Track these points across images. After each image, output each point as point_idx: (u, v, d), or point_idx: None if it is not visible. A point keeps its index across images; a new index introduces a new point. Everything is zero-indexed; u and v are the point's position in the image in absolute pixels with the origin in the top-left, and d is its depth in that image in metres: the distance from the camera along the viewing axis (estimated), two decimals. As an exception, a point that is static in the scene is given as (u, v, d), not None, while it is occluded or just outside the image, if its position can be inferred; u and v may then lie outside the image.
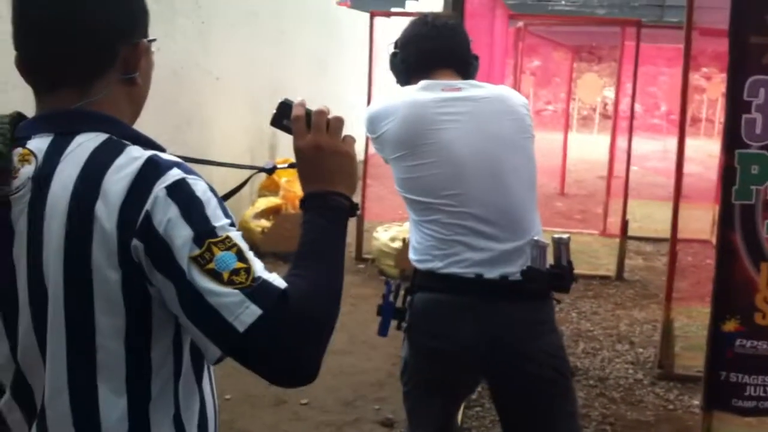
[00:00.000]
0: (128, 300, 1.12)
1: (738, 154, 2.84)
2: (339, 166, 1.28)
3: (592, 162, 11.51)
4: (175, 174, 1.12)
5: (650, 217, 8.37)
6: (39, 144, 1.16)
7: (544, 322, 2.24)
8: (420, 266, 2.22)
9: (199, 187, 1.13)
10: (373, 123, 2.29)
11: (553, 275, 2.16)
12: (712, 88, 16.74)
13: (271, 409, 3.89)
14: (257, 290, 1.08)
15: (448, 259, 2.15)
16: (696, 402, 3.89)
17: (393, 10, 11.62)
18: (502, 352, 2.16)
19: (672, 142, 8.21)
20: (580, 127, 18.06)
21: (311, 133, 1.27)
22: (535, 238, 2.16)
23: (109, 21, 1.20)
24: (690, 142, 10.41)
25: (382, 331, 2.27)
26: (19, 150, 1.15)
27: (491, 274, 2.13)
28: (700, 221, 6.98)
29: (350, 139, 1.30)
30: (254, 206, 6.81)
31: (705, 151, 10.94)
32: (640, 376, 4.40)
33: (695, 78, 13.89)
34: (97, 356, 1.14)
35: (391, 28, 11.62)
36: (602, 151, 8.98)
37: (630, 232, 7.12)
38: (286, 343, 1.08)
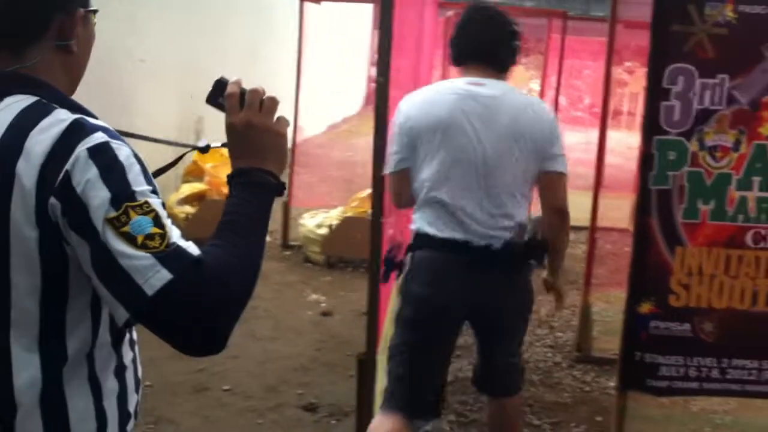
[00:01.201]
0: (44, 259, 1.14)
1: (656, 141, 2.90)
2: (269, 144, 1.29)
3: (518, 152, 11.65)
4: (99, 137, 1.15)
5: (572, 207, 8.46)
6: None
7: (516, 283, 2.85)
8: (424, 230, 2.76)
9: (123, 152, 1.15)
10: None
11: (530, 247, 2.82)
12: (634, 82, 17.14)
13: (193, 396, 3.83)
14: (170, 255, 1.08)
15: (447, 228, 2.72)
16: (612, 383, 3.97)
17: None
18: (483, 304, 2.80)
19: (594, 134, 8.38)
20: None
21: (244, 110, 1.28)
22: (517, 220, 2.76)
23: None
24: (611, 134, 10.64)
25: (384, 278, 2.81)
26: None
27: (479, 243, 2.70)
28: (620, 210, 7.16)
29: (283, 120, 1.31)
30: (178, 192, 6.69)
31: (626, 143, 11.21)
32: (558, 360, 4.50)
33: (618, 72, 14.20)
34: (11, 314, 1.16)
35: (323, 15, 11.51)
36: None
37: (553, 221, 7.26)
38: (195, 309, 1.08)
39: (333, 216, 6.35)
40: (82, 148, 1.12)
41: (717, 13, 2.78)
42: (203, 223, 6.26)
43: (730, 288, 2.98)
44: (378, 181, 2.81)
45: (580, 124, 17.17)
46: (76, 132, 1.14)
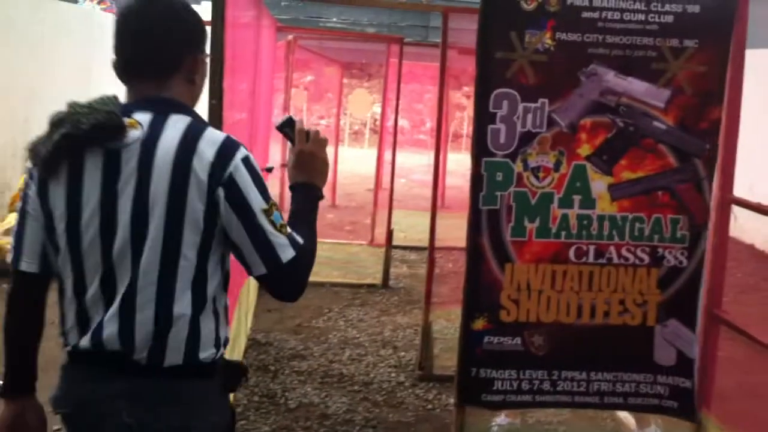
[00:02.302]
0: (205, 224, 1.66)
1: (485, 162, 3.00)
2: (320, 167, 1.91)
3: (363, 175, 11.83)
4: (244, 151, 1.71)
5: (415, 227, 8.70)
6: (141, 117, 1.68)
7: None
8: None
9: (256, 164, 1.73)
10: None
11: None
12: (472, 106, 17.81)
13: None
14: (292, 239, 1.71)
15: None
16: (452, 400, 4.06)
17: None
18: None
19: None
20: (352, 142, 18.51)
21: (310, 143, 1.90)
22: None
23: (186, 39, 1.77)
24: (452, 156, 11.00)
25: None
26: (126, 119, 1.66)
27: None
28: (461, 230, 7.35)
29: (325, 146, 1.93)
30: (3, 222, 6.34)
31: (465, 165, 11.56)
32: (402, 379, 4.55)
33: (457, 96, 14.70)
34: (179, 262, 1.66)
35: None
36: (372, 165, 9.25)
37: (396, 242, 7.38)
38: (300, 275, 1.73)
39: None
40: (238, 159, 1.68)
41: (537, 41, 2.92)
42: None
43: (557, 302, 3.11)
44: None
45: (423, 146, 17.66)
46: (231, 145, 1.70)
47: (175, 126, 1.68)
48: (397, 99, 6.94)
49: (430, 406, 4.19)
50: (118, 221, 1.65)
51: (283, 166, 2.18)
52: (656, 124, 3.02)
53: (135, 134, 1.65)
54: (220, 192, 1.64)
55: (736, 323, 3.12)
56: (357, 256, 7.74)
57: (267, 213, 1.68)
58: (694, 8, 2.95)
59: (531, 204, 3.03)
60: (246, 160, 1.69)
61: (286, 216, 1.77)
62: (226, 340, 1.82)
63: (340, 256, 7.44)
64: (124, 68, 1.75)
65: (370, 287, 6.61)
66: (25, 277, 1.76)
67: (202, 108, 1.94)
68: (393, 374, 4.64)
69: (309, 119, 17.65)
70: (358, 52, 11.57)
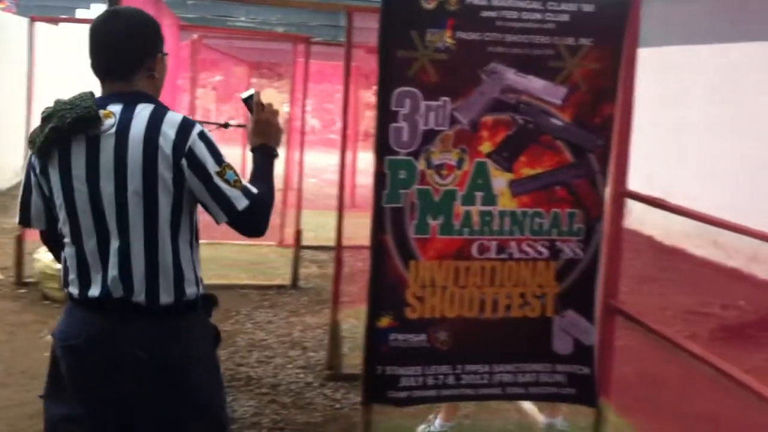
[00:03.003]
0: (174, 187, 2.08)
1: (387, 160, 3.01)
2: (275, 133, 2.40)
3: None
4: (199, 127, 2.14)
5: (325, 227, 8.63)
6: (113, 108, 2.10)
7: None
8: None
9: (210, 135, 2.15)
10: None
11: None
12: (381, 106, 17.86)
13: None
14: (245, 191, 2.13)
15: None
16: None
17: (61, 16, 10.88)
18: None
19: (347, 156, 8.59)
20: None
21: (265, 113, 2.39)
22: None
23: (142, 45, 2.19)
24: (363, 155, 11.00)
25: None
26: (102, 111, 2.08)
27: None
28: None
29: (277, 117, 2.42)
30: None
31: (376, 164, 11.61)
32: (310, 379, 4.53)
33: (367, 95, 14.72)
34: (159, 220, 2.09)
35: (59, 36, 10.76)
36: (282, 165, 9.17)
37: (306, 242, 7.35)
38: (256, 218, 2.16)
39: (73, 247, 5.95)
40: (194, 134, 2.10)
41: (437, 39, 2.95)
42: None
43: (460, 298, 3.15)
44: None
45: (334, 146, 17.62)
46: (188, 124, 2.11)
47: (142, 113, 2.09)
48: (305, 98, 6.92)
49: (338, 406, 4.18)
50: (103, 192, 2.07)
51: (240, 126, 2.70)
52: (554, 120, 3.09)
53: (109, 122, 2.08)
54: (183, 162, 2.07)
55: (632, 313, 3.22)
56: (266, 257, 7.67)
57: (220, 174, 2.10)
58: (589, 7, 3.04)
59: (434, 201, 3.06)
60: (201, 134, 2.12)
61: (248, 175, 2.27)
62: (201, 280, 2.23)
63: (248, 258, 7.35)
64: (97, 71, 2.19)
65: (279, 288, 6.56)
66: (43, 231, 2.28)
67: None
68: (301, 375, 4.61)
69: (218, 119, 17.39)
70: (267, 51, 11.47)
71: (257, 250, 7.87)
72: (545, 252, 3.17)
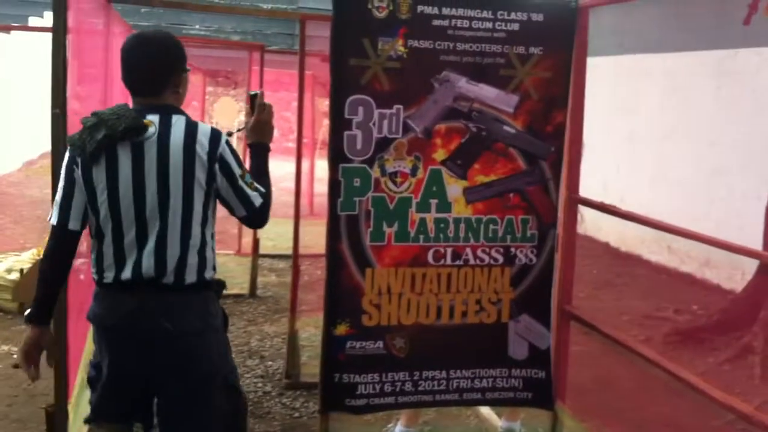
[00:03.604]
0: (207, 186, 2.47)
1: (342, 168, 3.02)
2: (270, 132, 2.77)
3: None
4: (225, 136, 2.53)
5: (284, 236, 8.59)
6: (152, 119, 2.45)
7: None
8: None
9: (232, 145, 2.53)
10: None
11: None
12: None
13: None
14: (259, 191, 2.54)
15: None
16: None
17: (13, 24, 10.71)
18: None
19: (305, 164, 8.54)
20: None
21: (264, 113, 2.75)
22: None
23: (170, 66, 2.55)
24: (321, 164, 10.96)
25: None
26: (143, 120, 2.43)
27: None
28: (329, 237, 7.36)
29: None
30: None
31: (334, 173, 11.57)
32: (268, 389, 4.50)
33: (324, 104, 14.72)
34: (193, 213, 2.45)
35: (10, 44, 10.58)
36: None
37: (264, 250, 7.31)
38: (265, 212, 2.57)
39: (25, 259, 5.87)
40: (223, 143, 2.49)
41: (389, 48, 2.97)
42: None
43: (417, 304, 3.17)
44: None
45: (292, 154, 17.56)
46: (217, 135, 2.49)
47: (177, 123, 2.46)
48: (261, 106, 6.86)
49: (297, 414, 4.16)
50: (147, 190, 2.42)
51: (240, 131, 2.92)
52: (506, 128, 3.13)
53: (151, 131, 2.43)
54: (216, 166, 2.45)
55: (588, 318, 3.26)
56: (224, 266, 7.54)
57: (242, 177, 2.51)
58: (538, 17, 3.08)
59: (389, 209, 3.08)
60: (227, 143, 2.50)
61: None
62: (216, 265, 2.60)
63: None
64: (131, 87, 2.55)
65: (236, 297, 6.51)
66: (72, 234, 2.49)
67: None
68: (260, 384, 4.58)
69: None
70: (223, 59, 11.41)
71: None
72: (500, 258, 3.20)
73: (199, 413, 2.53)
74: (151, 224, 2.43)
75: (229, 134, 2.99)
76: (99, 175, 2.43)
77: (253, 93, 2.76)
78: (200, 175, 2.44)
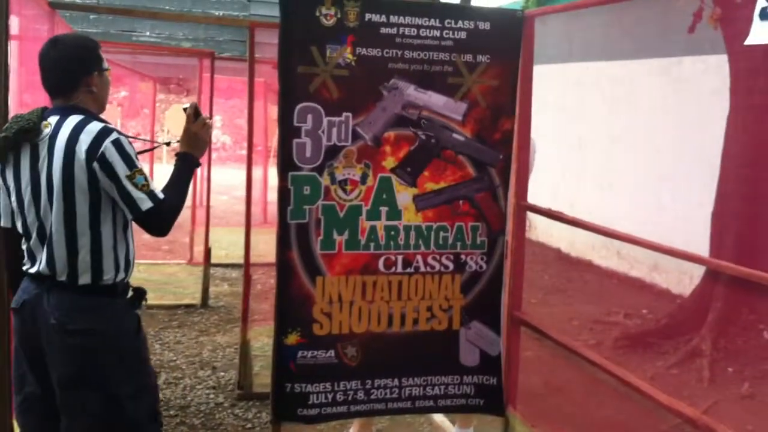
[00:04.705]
0: (89, 187, 2.42)
1: (291, 176, 3.00)
2: (200, 145, 2.71)
3: (181, 193, 11.48)
4: (114, 135, 2.44)
5: (237, 245, 8.52)
6: (52, 119, 2.48)
7: None
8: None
9: (125, 142, 2.45)
10: None
11: None
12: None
13: None
14: (151, 195, 2.44)
15: None
16: (271, 417, 4.02)
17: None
18: None
19: (258, 172, 8.48)
20: (171, 159, 18.02)
21: (195, 125, 2.68)
22: None
23: (77, 67, 2.55)
24: (274, 172, 10.91)
25: None
26: (44, 122, 2.48)
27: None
28: (282, 246, 7.31)
29: (209, 130, 2.75)
30: None
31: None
32: (221, 400, 4.45)
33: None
34: (77, 214, 2.43)
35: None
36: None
37: (216, 260, 7.23)
38: (158, 219, 2.46)
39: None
40: (108, 142, 2.41)
41: (338, 55, 2.96)
42: None
43: (368, 312, 3.16)
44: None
45: (246, 162, 17.46)
46: (103, 133, 2.42)
47: (69, 124, 2.45)
48: (211, 113, 6.81)
49: (249, 426, 4.11)
50: (41, 191, 2.46)
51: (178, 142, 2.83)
52: (455, 136, 3.14)
53: (47, 131, 2.46)
54: (95, 165, 2.40)
55: (539, 324, 3.29)
56: (175, 276, 7.52)
57: (130, 177, 2.42)
58: (485, 25, 3.11)
59: (339, 217, 3.07)
60: (115, 142, 2.43)
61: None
62: (127, 269, 2.58)
63: (156, 278, 7.18)
64: (46, 90, 2.58)
65: (188, 307, 6.43)
66: (4, 231, 2.64)
67: None
68: (212, 395, 4.52)
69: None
70: (174, 67, 11.28)
71: (166, 269, 7.71)
72: (450, 265, 3.22)
73: (69, 412, 2.51)
74: (47, 224, 2.48)
75: (168, 144, 3.22)
76: (9, 174, 2.53)
77: (184, 106, 2.73)
78: (80, 175, 2.41)
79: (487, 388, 3.31)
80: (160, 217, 2.46)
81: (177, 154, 2.67)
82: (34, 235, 2.51)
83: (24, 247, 2.57)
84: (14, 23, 3.08)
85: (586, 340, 6.01)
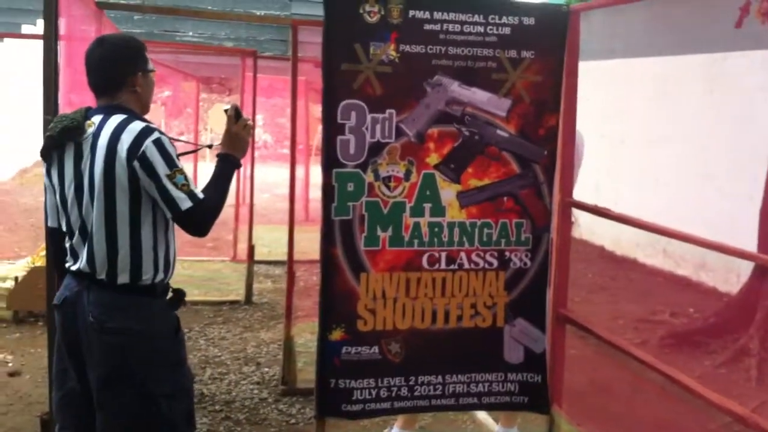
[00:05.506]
0: (130, 186, 2.44)
1: (335, 173, 3.02)
2: (241, 146, 2.72)
3: (225, 191, 11.59)
4: (156, 135, 2.45)
5: (279, 242, 8.58)
6: (96, 119, 2.50)
7: None
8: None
9: (166, 142, 2.47)
10: None
11: None
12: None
13: None
14: (191, 195, 2.44)
15: None
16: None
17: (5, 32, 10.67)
18: None
19: (300, 170, 8.53)
20: (213, 158, 18.17)
21: (236, 127, 2.69)
22: None
23: (121, 67, 2.56)
24: (316, 169, 11.00)
25: None
26: (88, 121, 2.50)
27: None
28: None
29: (250, 131, 2.78)
30: None
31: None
32: (265, 395, 4.49)
33: (319, 109, 14.71)
34: (117, 213, 2.45)
35: (3, 52, 10.55)
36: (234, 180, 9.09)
37: (259, 257, 7.29)
38: (197, 219, 2.46)
39: (19, 267, 5.85)
40: (149, 141, 2.42)
41: (381, 52, 2.97)
42: None
43: (412, 309, 3.16)
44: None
45: (287, 160, 17.53)
46: (144, 132, 2.43)
47: (112, 123, 2.47)
48: (254, 112, 6.88)
49: (293, 421, 4.15)
50: (84, 189, 2.49)
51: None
52: (499, 132, 3.13)
53: (90, 131, 2.49)
54: (136, 164, 2.41)
55: (583, 322, 3.26)
56: (219, 272, 7.60)
57: (170, 177, 2.42)
58: (530, 21, 3.09)
59: (383, 213, 3.08)
60: (156, 141, 2.44)
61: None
62: (166, 269, 2.58)
63: (201, 274, 7.27)
64: (91, 88, 2.61)
65: (232, 304, 6.50)
66: (52, 231, 2.68)
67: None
68: (256, 391, 4.57)
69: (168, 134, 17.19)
70: (217, 66, 11.38)
71: (210, 266, 7.80)
72: (494, 262, 3.20)
73: (105, 410, 2.53)
74: (88, 222, 2.50)
75: (209, 146, 3.26)
76: (54, 174, 2.56)
77: (225, 107, 2.75)
78: (121, 174, 2.42)
79: (531, 385, 3.29)
80: (200, 217, 2.46)
81: (218, 155, 2.68)
82: (76, 233, 2.54)
83: (67, 245, 2.59)
84: (62, 23, 3.13)
85: (631, 339, 5.93)
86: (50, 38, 2.72)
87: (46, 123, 2.72)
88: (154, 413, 2.53)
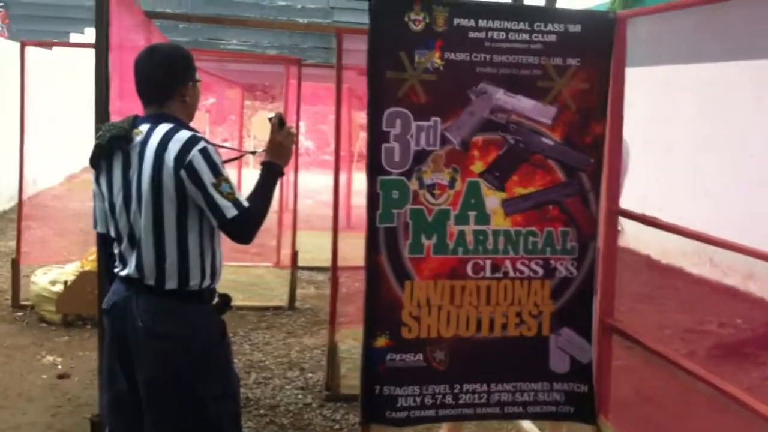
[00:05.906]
0: (177, 194, 2.48)
1: (380, 181, 3.03)
2: (285, 154, 2.76)
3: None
4: (202, 144, 2.49)
5: (322, 248, 8.62)
6: (143, 127, 2.54)
7: None
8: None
9: (212, 151, 2.51)
10: None
11: None
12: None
13: None
14: (237, 203, 2.49)
15: None
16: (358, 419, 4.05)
17: (54, 40, 10.92)
18: None
19: (342, 177, 8.55)
20: (257, 165, 18.32)
21: (280, 135, 2.73)
22: None
23: (172, 77, 2.62)
24: (358, 176, 11.03)
25: None
26: (135, 129, 2.54)
27: None
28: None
29: (294, 139, 2.83)
30: None
31: (371, 185, 11.58)
32: (309, 400, 4.52)
33: (361, 117, 14.77)
34: (164, 221, 2.49)
35: (52, 60, 10.75)
36: (277, 187, 9.15)
37: (302, 263, 7.34)
38: (240, 226, 2.51)
39: (69, 271, 5.97)
40: (195, 150, 2.47)
41: (426, 60, 2.98)
42: None
43: (456, 317, 3.16)
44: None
45: (329, 167, 17.61)
46: (191, 142, 2.48)
47: (159, 132, 2.51)
48: (297, 120, 6.94)
49: (337, 426, 4.17)
50: (131, 197, 2.53)
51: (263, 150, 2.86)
52: (544, 140, 3.12)
53: (138, 139, 2.53)
54: (183, 173, 2.45)
55: (629, 332, 3.22)
56: (262, 278, 7.67)
57: (216, 185, 2.46)
58: (576, 28, 3.07)
59: (428, 221, 3.08)
60: (202, 150, 2.48)
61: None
62: (213, 276, 2.63)
63: (244, 279, 7.34)
64: (140, 96, 2.65)
65: (276, 309, 6.55)
66: (101, 237, 2.74)
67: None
68: (300, 396, 4.60)
69: (212, 141, 17.39)
70: (261, 74, 11.51)
71: (254, 272, 7.87)
72: (540, 270, 3.18)
73: (153, 413, 2.59)
74: (137, 229, 2.55)
75: (253, 153, 3.29)
76: (102, 181, 2.62)
77: (269, 116, 2.80)
78: (168, 182, 2.47)
79: (577, 395, 3.26)
80: (245, 225, 2.52)
81: (262, 164, 2.72)
82: (125, 240, 2.59)
83: (116, 250, 2.65)
84: (112, 32, 3.19)
85: (678, 350, 5.83)
86: (101, 47, 2.78)
87: (98, 130, 2.77)
88: (201, 416, 2.59)
